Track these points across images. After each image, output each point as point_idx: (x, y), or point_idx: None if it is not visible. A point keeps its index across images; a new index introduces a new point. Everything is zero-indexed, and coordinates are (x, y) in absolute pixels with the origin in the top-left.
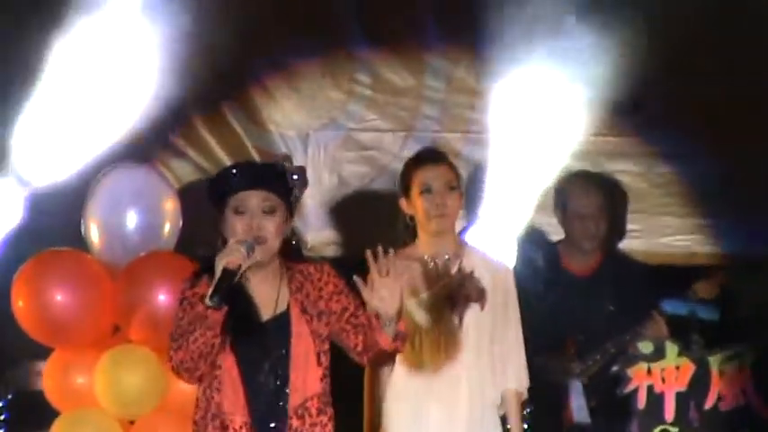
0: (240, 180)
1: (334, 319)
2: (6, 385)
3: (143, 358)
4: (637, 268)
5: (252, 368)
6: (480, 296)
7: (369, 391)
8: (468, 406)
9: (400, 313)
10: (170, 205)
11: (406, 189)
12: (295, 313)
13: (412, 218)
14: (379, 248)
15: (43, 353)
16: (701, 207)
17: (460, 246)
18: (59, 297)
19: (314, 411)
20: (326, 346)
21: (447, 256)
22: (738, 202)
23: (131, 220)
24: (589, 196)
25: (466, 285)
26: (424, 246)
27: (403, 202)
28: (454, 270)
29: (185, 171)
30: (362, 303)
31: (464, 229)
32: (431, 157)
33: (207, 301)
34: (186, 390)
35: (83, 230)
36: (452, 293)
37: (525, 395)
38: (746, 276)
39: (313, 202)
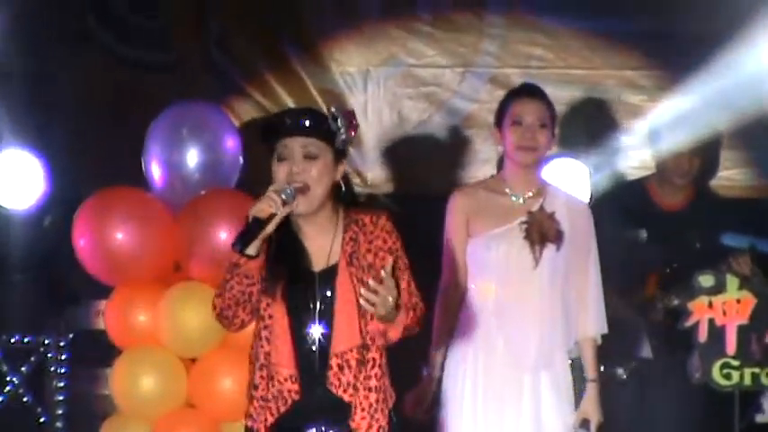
0: (281, 126)
1: (372, 272)
2: (68, 324)
3: (204, 296)
4: (727, 205)
5: (300, 319)
6: (558, 237)
7: (440, 312)
8: (537, 343)
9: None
10: (231, 143)
11: (498, 120)
12: (342, 265)
13: (504, 150)
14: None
15: (105, 291)
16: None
17: (544, 184)
18: (120, 235)
19: (353, 363)
20: None
21: (530, 193)
22: None
23: (192, 157)
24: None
25: (545, 224)
26: (509, 179)
27: (495, 133)
28: (535, 208)
29: (246, 109)
30: (408, 267)
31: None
32: (526, 91)
33: (233, 246)
34: (248, 329)
35: (143, 168)
36: (531, 231)
37: (599, 341)
38: None
39: (373, 138)
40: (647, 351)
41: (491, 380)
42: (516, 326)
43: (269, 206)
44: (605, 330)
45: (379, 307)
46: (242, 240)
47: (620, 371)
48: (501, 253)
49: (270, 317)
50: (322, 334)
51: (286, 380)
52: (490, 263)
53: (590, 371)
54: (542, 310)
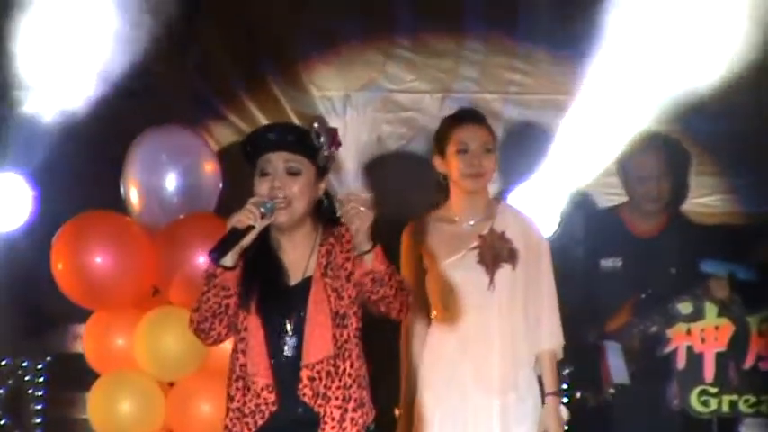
0: (265, 141)
1: (355, 277)
2: (46, 347)
3: (182, 320)
4: (700, 230)
5: (275, 331)
6: (512, 256)
7: (405, 352)
8: (500, 365)
9: (373, 234)
10: (210, 167)
11: (441, 148)
12: (316, 277)
13: (445, 177)
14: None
15: (82, 315)
16: (735, 167)
17: (493, 206)
18: (99, 259)
19: (323, 374)
20: (353, 308)
21: (479, 217)
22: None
23: (171, 181)
24: (650, 157)
25: (497, 245)
26: (457, 206)
27: (437, 161)
28: (486, 231)
29: (225, 133)
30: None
31: (506, 192)
32: (468, 117)
33: (209, 255)
34: (226, 352)
35: (122, 192)
36: (484, 254)
37: (560, 354)
38: None
39: (351, 162)
40: (623, 377)
41: (462, 406)
42: (480, 351)
43: (247, 218)
44: (561, 342)
45: (356, 219)
46: (218, 250)
47: (595, 397)
48: (458, 280)
49: (245, 329)
50: (295, 346)
51: (263, 389)
52: (449, 292)
53: (548, 384)
54: (503, 331)
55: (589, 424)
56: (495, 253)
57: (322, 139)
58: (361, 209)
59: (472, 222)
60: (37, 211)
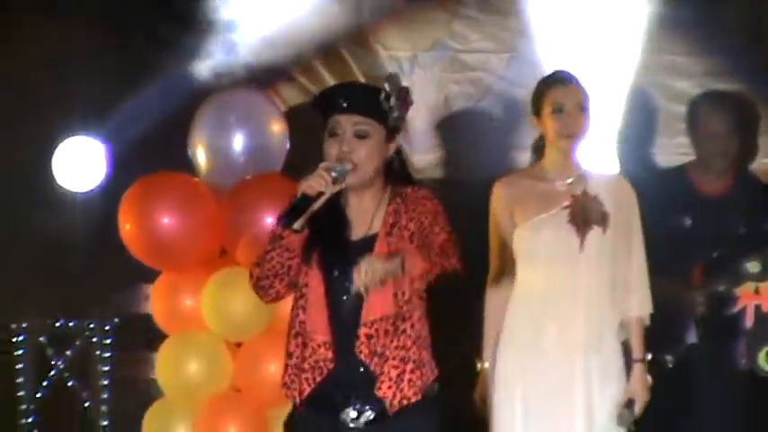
0: (333, 102)
1: (416, 239)
2: (113, 308)
3: None
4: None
5: (336, 287)
6: (603, 219)
7: (489, 306)
8: (585, 327)
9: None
10: (277, 127)
11: (536, 108)
12: (381, 235)
13: (542, 137)
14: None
15: (150, 276)
16: None
17: (585, 168)
18: (166, 220)
19: (382, 332)
20: None
21: (572, 178)
22: None
23: (238, 142)
24: (719, 115)
25: (589, 207)
26: (551, 165)
27: (533, 121)
28: (579, 191)
29: (292, 94)
30: (447, 230)
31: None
32: (562, 77)
33: (278, 221)
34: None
35: (189, 153)
36: (575, 214)
37: (647, 321)
38: None
39: (419, 123)
40: (693, 337)
41: (543, 365)
42: (565, 309)
43: (318, 184)
44: (650, 310)
45: (377, 283)
46: (288, 216)
47: (668, 357)
48: (547, 238)
49: (305, 285)
50: (355, 304)
51: (320, 346)
52: (537, 249)
53: (636, 351)
54: (589, 293)
55: (657, 384)
56: (587, 214)
57: (392, 101)
58: (370, 273)
59: (568, 181)
60: (110, 174)
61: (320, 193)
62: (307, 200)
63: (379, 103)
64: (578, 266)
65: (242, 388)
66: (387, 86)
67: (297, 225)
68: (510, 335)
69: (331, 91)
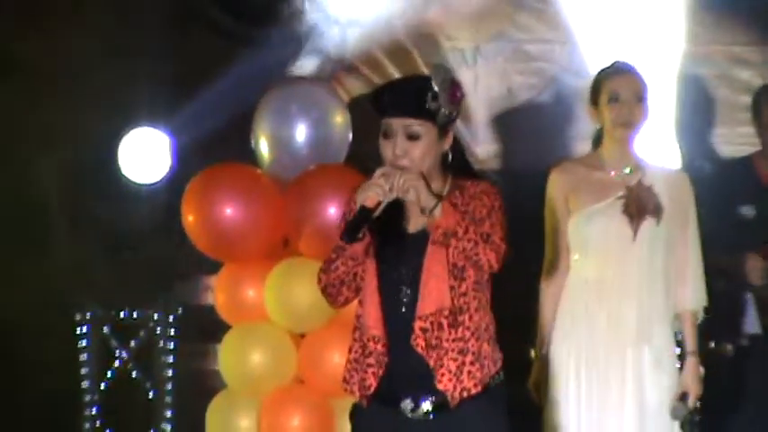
0: (383, 106)
1: None
2: (177, 299)
3: (313, 272)
4: None
5: (390, 280)
6: (657, 210)
7: (544, 295)
8: (637, 318)
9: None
10: (339, 118)
11: (594, 98)
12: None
13: (601, 128)
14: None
15: (214, 267)
16: None
17: (641, 159)
18: (229, 211)
19: (438, 325)
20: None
21: (628, 168)
22: None
23: (301, 133)
24: None
25: (643, 198)
26: (607, 154)
27: (591, 111)
28: (634, 182)
29: (355, 85)
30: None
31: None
32: (620, 67)
33: (341, 238)
34: (357, 304)
35: (252, 144)
36: (629, 204)
37: (702, 315)
38: None
39: (482, 114)
40: (755, 327)
41: (595, 354)
42: (617, 299)
43: (376, 194)
44: (705, 303)
45: (410, 189)
46: (350, 231)
47: (729, 347)
48: (600, 227)
49: (362, 279)
50: (410, 296)
51: (372, 340)
52: (590, 238)
53: (689, 344)
54: (641, 284)
55: (720, 374)
56: (641, 205)
57: (440, 99)
58: (407, 177)
59: (624, 171)
60: (175, 165)
61: (378, 203)
62: (366, 212)
63: (426, 104)
64: (631, 257)
65: (306, 379)
66: (435, 87)
67: (359, 236)
68: (563, 323)
69: (379, 94)
